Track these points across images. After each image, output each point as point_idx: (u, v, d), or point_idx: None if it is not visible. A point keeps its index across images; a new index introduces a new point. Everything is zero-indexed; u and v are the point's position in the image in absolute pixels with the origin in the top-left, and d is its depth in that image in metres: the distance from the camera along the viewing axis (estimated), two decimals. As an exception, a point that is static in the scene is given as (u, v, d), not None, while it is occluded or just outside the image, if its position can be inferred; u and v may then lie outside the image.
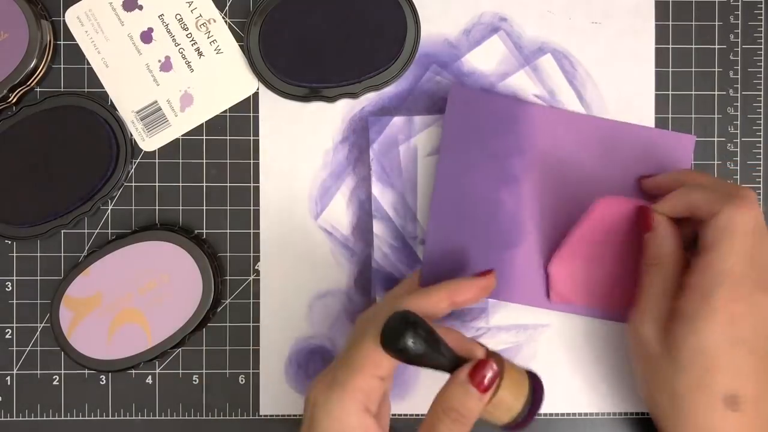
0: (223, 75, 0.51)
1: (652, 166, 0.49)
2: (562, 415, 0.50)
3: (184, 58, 0.50)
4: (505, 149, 0.49)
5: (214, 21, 0.50)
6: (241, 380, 0.50)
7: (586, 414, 0.51)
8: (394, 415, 0.50)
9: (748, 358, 0.41)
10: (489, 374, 0.39)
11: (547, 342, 0.51)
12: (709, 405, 0.40)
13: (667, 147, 0.49)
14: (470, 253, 0.49)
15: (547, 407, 0.50)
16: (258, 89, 0.51)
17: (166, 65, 0.50)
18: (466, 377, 0.39)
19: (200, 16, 0.50)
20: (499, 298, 0.49)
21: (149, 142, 0.50)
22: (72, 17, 0.50)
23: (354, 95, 0.50)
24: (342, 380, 0.40)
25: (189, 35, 0.50)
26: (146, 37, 0.50)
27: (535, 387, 0.41)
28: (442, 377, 0.50)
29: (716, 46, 0.51)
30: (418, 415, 0.50)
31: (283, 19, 0.49)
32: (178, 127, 0.50)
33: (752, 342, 0.41)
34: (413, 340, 0.37)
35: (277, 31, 0.49)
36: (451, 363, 0.39)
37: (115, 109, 0.50)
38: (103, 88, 0.50)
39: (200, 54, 0.50)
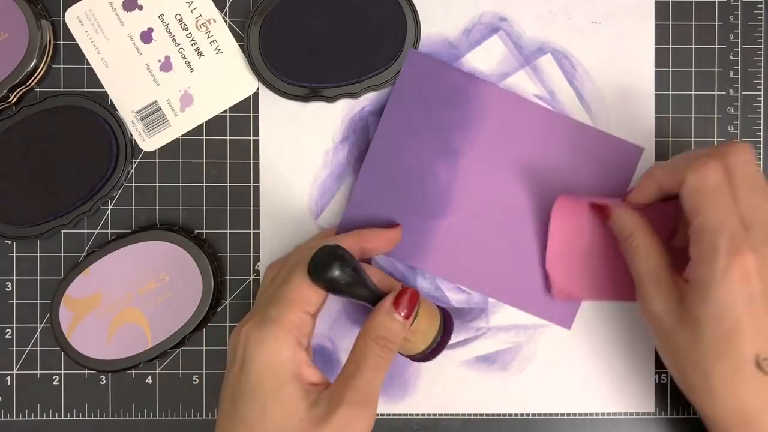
0: (223, 75, 0.50)
1: (594, 166, 0.50)
2: (562, 415, 0.50)
3: (184, 58, 0.50)
4: (450, 122, 0.50)
5: (214, 21, 0.50)
6: (241, 380, 0.50)
7: (586, 414, 0.50)
8: (394, 415, 0.50)
9: (767, 314, 0.40)
10: (409, 301, 0.42)
11: (547, 342, 0.51)
12: (739, 371, 0.40)
13: (613, 152, 0.50)
14: (393, 215, 0.50)
15: (547, 407, 0.50)
16: (258, 89, 0.51)
17: (166, 65, 0.50)
18: (391, 305, 0.41)
19: (200, 16, 0.50)
20: (414, 264, 0.50)
21: (149, 142, 0.50)
22: (72, 17, 0.50)
23: (354, 95, 0.50)
24: (274, 316, 0.40)
25: (189, 35, 0.50)
26: (146, 37, 0.50)
27: (446, 318, 0.45)
28: (441, 378, 0.50)
29: (716, 46, 0.51)
30: (418, 415, 0.50)
31: (283, 19, 0.49)
32: (178, 127, 0.50)
33: (767, 296, 0.40)
34: (340, 271, 0.39)
35: (277, 31, 0.49)
36: (374, 295, 0.42)
37: (115, 109, 0.50)
38: (103, 88, 0.50)
39: (200, 54, 0.50)
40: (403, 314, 0.41)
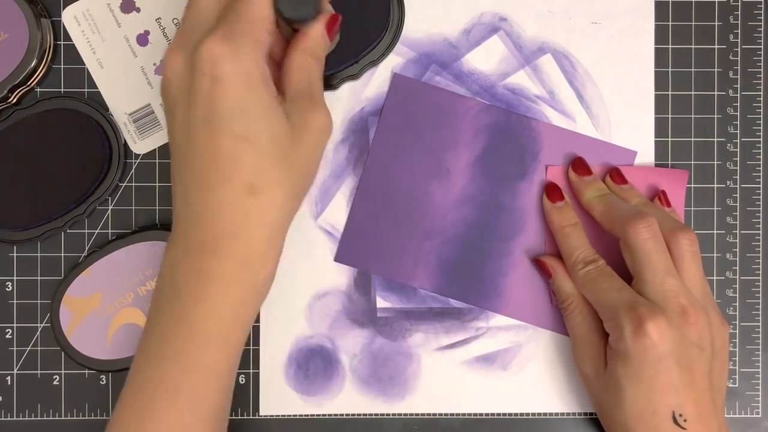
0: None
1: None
2: (562, 414, 0.50)
3: (179, 62, 0.50)
4: (441, 142, 0.50)
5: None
6: (241, 380, 0.51)
7: (586, 414, 0.51)
8: (394, 414, 0.50)
9: (679, 371, 0.42)
10: (336, 27, 0.43)
11: (547, 342, 0.51)
12: (658, 429, 0.42)
13: (607, 158, 0.50)
14: (390, 239, 0.50)
15: (547, 407, 0.50)
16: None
17: (160, 68, 0.50)
18: (324, 30, 0.42)
19: (197, 20, 0.50)
20: (415, 284, 0.50)
21: (140, 144, 0.50)
22: (69, 16, 0.50)
23: (355, 76, 0.50)
24: (243, 30, 0.38)
25: (185, 39, 0.50)
26: (142, 39, 0.50)
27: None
28: (441, 378, 0.50)
29: (716, 46, 0.51)
30: (417, 414, 0.50)
31: None
32: (170, 131, 0.50)
33: (677, 355, 0.42)
34: (314, 8, 0.41)
35: None
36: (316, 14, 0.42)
37: (108, 111, 0.50)
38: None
39: (196, 58, 0.50)
40: (331, 36, 0.43)
